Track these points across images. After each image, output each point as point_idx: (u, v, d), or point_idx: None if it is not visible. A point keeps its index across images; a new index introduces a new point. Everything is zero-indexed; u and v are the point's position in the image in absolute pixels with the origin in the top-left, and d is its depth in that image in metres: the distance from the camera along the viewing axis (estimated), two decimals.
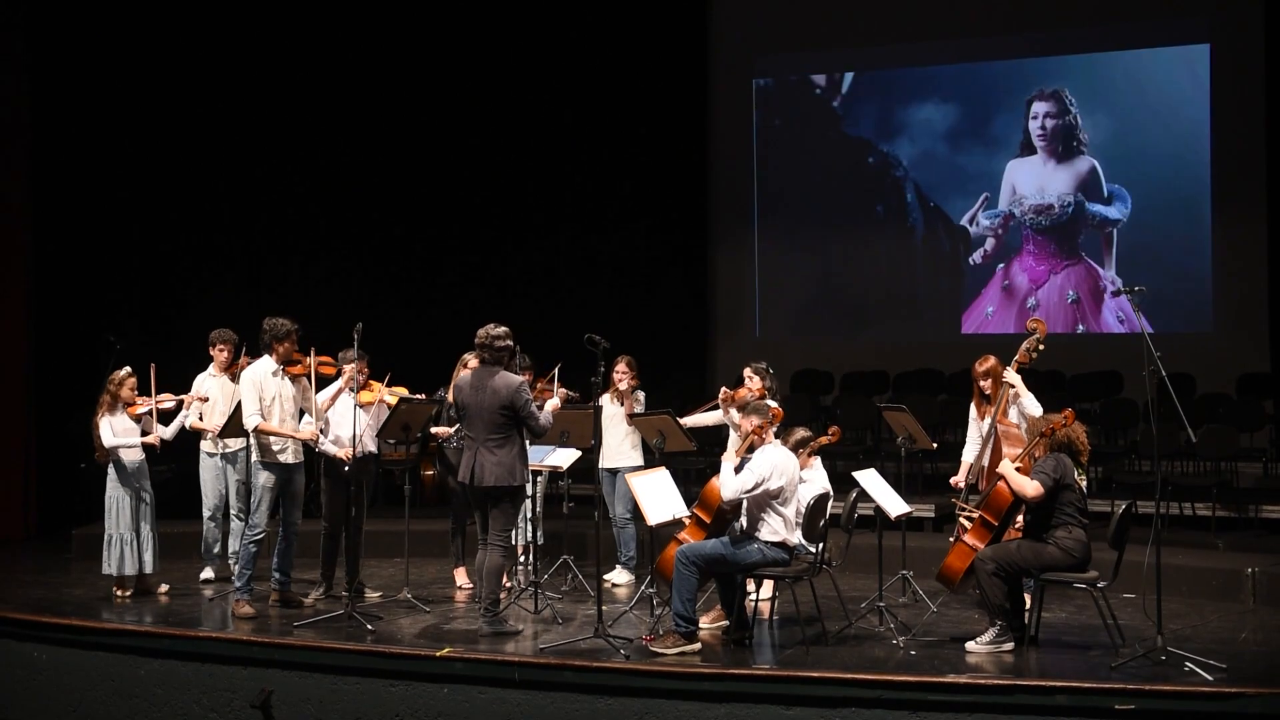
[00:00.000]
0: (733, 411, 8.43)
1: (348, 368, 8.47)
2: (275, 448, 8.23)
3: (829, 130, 14.09)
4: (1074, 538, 7.18)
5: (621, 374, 9.30)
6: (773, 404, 7.88)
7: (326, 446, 8.53)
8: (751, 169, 14.30)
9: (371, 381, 8.81)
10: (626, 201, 13.89)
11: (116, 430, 8.74)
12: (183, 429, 9.09)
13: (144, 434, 8.90)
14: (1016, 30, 13.31)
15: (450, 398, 8.39)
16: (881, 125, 13.92)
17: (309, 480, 8.72)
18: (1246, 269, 12.36)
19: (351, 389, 8.42)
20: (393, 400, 8.70)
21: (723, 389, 8.81)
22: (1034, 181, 13.21)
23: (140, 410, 8.85)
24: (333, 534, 8.68)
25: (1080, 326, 13.06)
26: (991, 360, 8.27)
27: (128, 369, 8.88)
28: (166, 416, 9.05)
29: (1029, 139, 13.25)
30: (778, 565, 7.40)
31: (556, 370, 8.98)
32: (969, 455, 8.32)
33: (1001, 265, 13.31)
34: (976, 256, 13.38)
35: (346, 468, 8.41)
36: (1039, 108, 13.21)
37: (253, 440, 8.31)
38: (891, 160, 13.83)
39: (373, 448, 8.84)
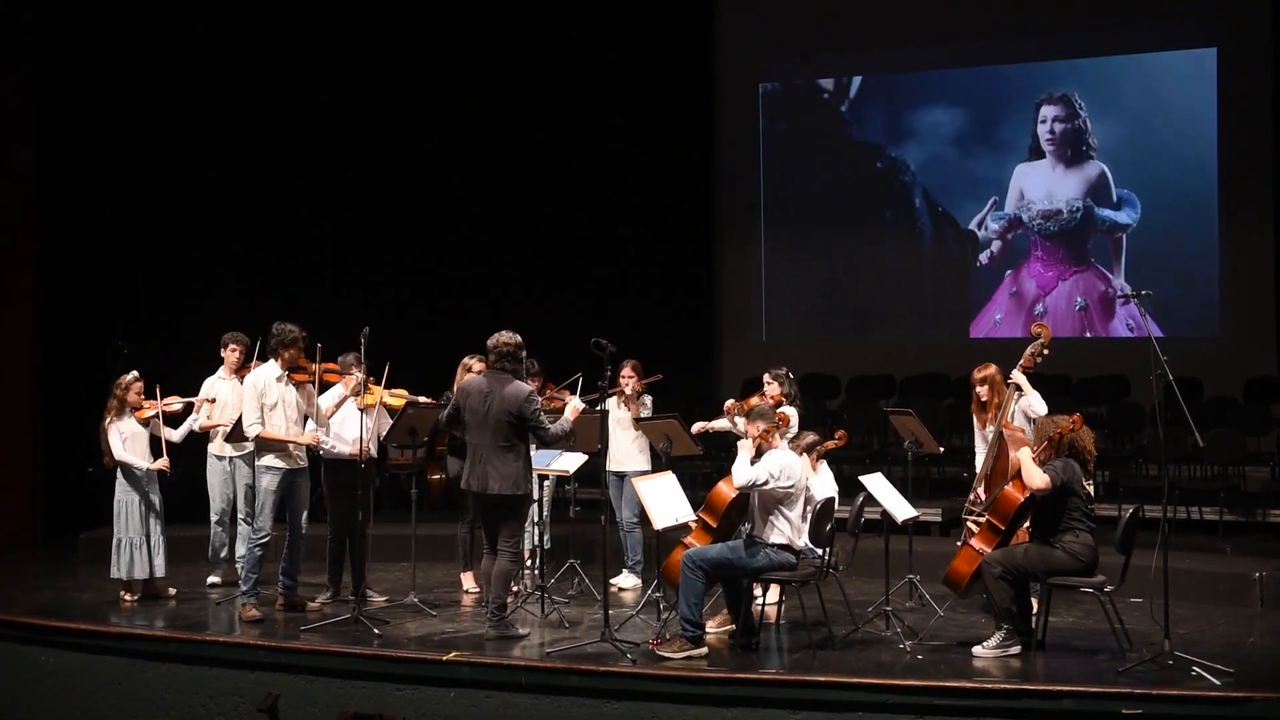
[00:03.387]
0: (738, 420, 8.34)
1: (354, 376, 8.45)
2: (276, 452, 8.24)
3: (835, 134, 14.07)
4: (1081, 542, 7.17)
5: (627, 378, 9.24)
6: (789, 410, 7.88)
7: (338, 447, 8.52)
8: (758, 173, 14.27)
9: (371, 384, 8.80)
10: (633, 206, 13.88)
11: (125, 434, 8.75)
12: (191, 432, 9.11)
13: (152, 438, 8.92)
14: (1025, 34, 13.28)
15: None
16: (888, 129, 13.89)
17: (314, 485, 8.72)
18: (1254, 272, 12.32)
19: (357, 393, 8.41)
20: (393, 402, 8.70)
21: (729, 400, 8.79)
22: (1042, 186, 13.16)
23: (148, 414, 8.87)
24: (338, 538, 8.68)
25: (1088, 333, 13.02)
26: (991, 368, 8.26)
27: (134, 373, 8.89)
28: (174, 420, 9.07)
29: (1038, 143, 13.19)
30: (784, 569, 7.39)
31: (578, 379, 8.97)
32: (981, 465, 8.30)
33: (1010, 271, 13.26)
34: (983, 257, 13.37)
35: (364, 465, 8.41)
36: (1048, 111, 13.14)
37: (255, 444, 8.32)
38: (899, 164, 13.79)
39: (374, 452, 8.84)
